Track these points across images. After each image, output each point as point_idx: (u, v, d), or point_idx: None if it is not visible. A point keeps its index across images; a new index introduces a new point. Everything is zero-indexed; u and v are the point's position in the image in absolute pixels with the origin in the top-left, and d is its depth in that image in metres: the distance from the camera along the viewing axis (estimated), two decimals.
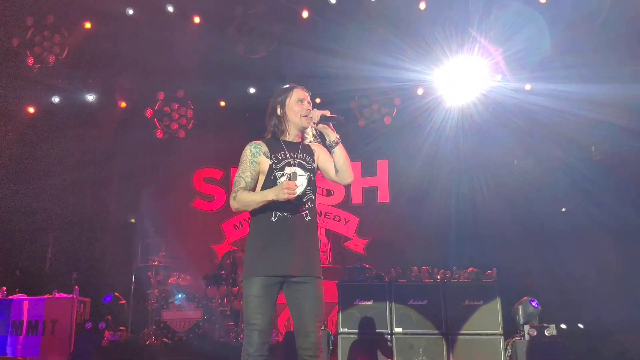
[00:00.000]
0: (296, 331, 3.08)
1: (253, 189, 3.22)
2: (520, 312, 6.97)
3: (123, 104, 9.90)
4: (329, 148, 3.28)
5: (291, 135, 3.37)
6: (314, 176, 3.32)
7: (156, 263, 7.85)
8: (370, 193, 10.23)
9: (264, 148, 3.31)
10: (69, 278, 7.33)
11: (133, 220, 10.33)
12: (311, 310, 3.04)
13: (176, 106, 9.99)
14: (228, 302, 7.41)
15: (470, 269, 7.36)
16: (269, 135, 3.42)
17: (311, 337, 3.02)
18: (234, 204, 3.15)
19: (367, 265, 7.87)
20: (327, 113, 3.24)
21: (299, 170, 3.22)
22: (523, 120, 9.12)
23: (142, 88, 9.77)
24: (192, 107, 9.99)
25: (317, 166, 3.43)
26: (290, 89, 3.42)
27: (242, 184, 3.18)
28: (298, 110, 3.32)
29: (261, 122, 9.84)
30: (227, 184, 10.30)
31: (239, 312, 7.45)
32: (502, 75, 8.84)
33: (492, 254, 8.41)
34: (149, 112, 9.97)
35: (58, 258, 9.53)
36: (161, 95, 9.94)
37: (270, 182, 3.19)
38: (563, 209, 9.87)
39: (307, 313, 3.03)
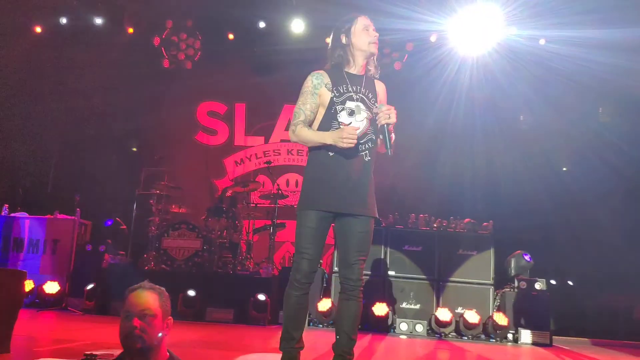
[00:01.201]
0: (341, 262, 3.18)
1: (312, 123, 3.19)
2: (513, 265, 7.14)
3: (131, 30, 9.72)
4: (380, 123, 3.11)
5: (357, 66, 3.24)
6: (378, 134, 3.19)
7: (158, 192, 7.91)
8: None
9: (326, 79, 3.16)
10: (72, 200, 7.41)
11: (135, 149, 10.36)
12: (356, 245, 3.09)
13: (184, 36, 9.82)
14: (227, 235, 7.53)
15: (467, 219, 7.45)
16: (330, 67, 3.26)
17: (354, 268, 3.09)
18: (292, 137, 3.16)
19: None
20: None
21: (361, 106, 3.14)
22: (538, 70, 8.99)
23: (151, 15, 9.56)
24: (200, 38, 9.82)
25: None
26: (354, 17, 3.25)
27: (302, 117, 3.14)
28: (365, 37, 3.18)
29: (267, 58, 9.74)
30: (230, 119, 10.26)
31: (237, 245, 7.59)
32: (516, 26, 8.67)
33: (491, 207, 8.49)
34: (156, 40, 9.81)
35: (61, 180, 9.60)
36: (169, 24, 9.75)
37: (331, 115, 3.12)
38: (564, 169, 9.92)
39: (353, 247, 3.09)
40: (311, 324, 6.92)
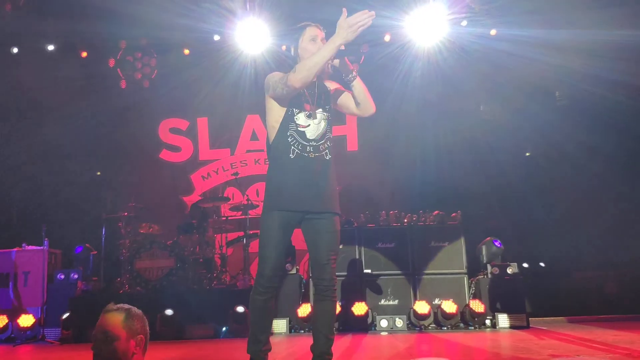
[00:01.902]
0: (312, 264, 3.23)
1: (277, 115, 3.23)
2: (484, 252, 7.30)
3: (84, 54, 9.60)
4: (348, 82, 3.22)
5: None
6: (332, 115, 3.33)
7: (126, 214, 7.83)
8: (339, 142, 10.29)
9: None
10: (38, 230, 7.26)
11: (99, 173, 10.21)
12: (326, 245, 3.16)
13: (139, 55, 9.75)
14: (200, 250, 7.49)
15: (435, 212, 7.58)
16: None
17: (326, 268, 3.15)
18: (296, 75, 3.00)
19: None
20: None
21: (318, 108, 3.24)
22: (488, 66, 9.22)
23: (104, 37, 9.46)
24: (155, 55, 9.76)
25: (336, 103, 3.44)
26: (303, 27, 3.29)
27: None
28: (311, 49, 3.19)
29: (226, 71, 9.68)
30: (193, 135, 10.22)
31: (211, 260, 7.56)
32: (467, 22, 8.88)
33: (457, 198, 8.65)
34: (111, 62, 9.71)
35: (25, 211, 9.41)
36: (123, 44, 9.66)
37: (289, 117, 3.20)
38: (527, 154, 10.17)
39: (323, 247, 3.16)
40: (292, 330, 6.94)
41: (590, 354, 4.24)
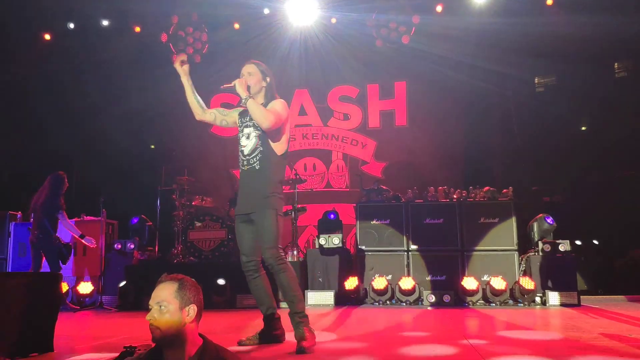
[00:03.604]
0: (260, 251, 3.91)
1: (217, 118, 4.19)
2: (535, 229, 7.16)
3: (137, 29, 9.82)
4: (244, 104, 3.86)
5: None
6: (267, 136, 3.86)
7: (179, 186, 8.05)
8: (387, 116, 10.21)
9: (240, 110, 4.10)
10: (96, 202, 7.58)
11: (153, 147, 10.51)
12: (261, 239, 3.80)
13: (190, 30, 9.89)
14: None
15: (486, 187, 7.46)
16: None
17: (266, 255, 3.79)
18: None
19: (384, 187, 8.01)
20: (229, 85, 3.95)
21: (252, 129, 3.91)
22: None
23: (156, 12, 9.64)
24: (206, 30, 9.88)
25: None
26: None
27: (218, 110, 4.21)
28: (238, 84, 3.92)
29: (276, 45, 9.73)
30: None
31: None
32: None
33: (510, 173, 8.49)
34: (163, 37, 9.90)
35: (84, 183, 9.81)
36: (175, 19, 9.82)
37: (238, 139, 3.99)
38: (583, 128, 9.85)
39: (260, 238, 3.82)
40: (338, 302, 7.03)
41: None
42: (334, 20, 9.39)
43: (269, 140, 3.85)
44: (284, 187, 8.34)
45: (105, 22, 9.63)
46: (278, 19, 9.39)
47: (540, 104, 9.56)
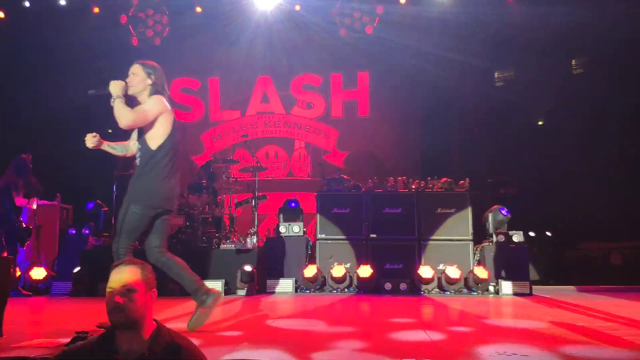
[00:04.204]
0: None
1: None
2: (490, 220, 7.32)
3: (96, 9, 9.55)
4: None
5: None
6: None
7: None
8: (350, 106, 10.24)
9: None
10: (51, 186, 7.39)
11: (110, 131, 10.25)
12: (120, 227, 4.03)
13: (151, 12, 9.68)
14: (209, 210, 7.59)
15: (444, 179, 7.58)
16: None
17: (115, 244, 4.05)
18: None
19: (345, 177, 8.05)
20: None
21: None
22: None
23: None
24: (167, 13, 9.69)
25: None
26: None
27: None
28: None
29: (240, 31, 9.61)
30: (204, 95, 10.21)
31: (220, 220, 7.66)
32: None
33: (467, 165, 8.66)
34: (123, 18, 9.66)
35: (38, 167, 9.51)
36: (135, 0, 9.60)
37: None
38: (540, 122, 10.11)
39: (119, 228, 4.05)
40: (298, 289, 7.07)
41: (589, 322, 4.31)
42: (298, 8, 9.35)
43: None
44: (243, 174, 8.38)
45: (62, 2, 9.31)
46: (242, 4, 9.28)
47: (499, 97, 9.77)
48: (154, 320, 2.33)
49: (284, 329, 4.25)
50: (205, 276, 6.93)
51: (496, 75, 10.25)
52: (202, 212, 7.49)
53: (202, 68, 10.08)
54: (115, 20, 9.67)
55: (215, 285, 6.78)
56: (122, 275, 2.25)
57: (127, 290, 2.22)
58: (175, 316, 4.80)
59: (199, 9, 9.60)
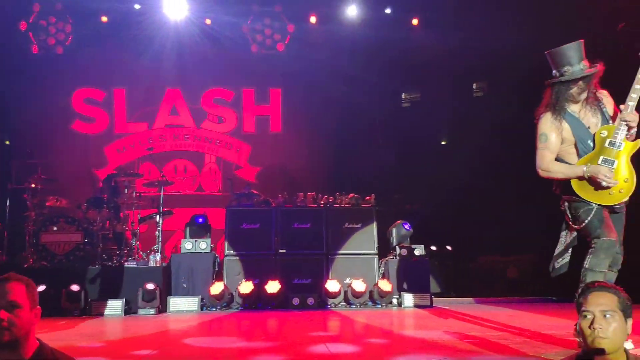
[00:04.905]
0: None
1: None
2: (394, 234, 7.56)
3: None
4: None
5: None
6: None
7: (33, 185, 7.47)
8: (262, 122, 10.24)
9: None
10: None
11: (8, 142, 9.68)
12: None
13: (53, 19, 9.25)
14: (111, 226, 7.29)
15: (351, 194, 7.74)
16: None
17: None
18: None
19: (255, 192, 8.01)
20: None
21: None
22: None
23: None
24: (71, 21, 9.29)
25: None
26: None
27: None
28: None
29: (148, 42, 9.36)
30: (109, 106, 9.84)
31: (122, 236, 7.37)
32: None
33: (374, 182, 8.89)
34: (22, 25, 9.17)
35: None
36: (37, 7, 9.14)
37: None
38: (443, 142, 10.58)
39: None
40: (204, 307, 6.90)
41: (481, 332, 4.52)
42: (208, 22, 9.26)
43: None
44: (149, 189, 8.13)
45: None
46: (151, 16, 9.08)
47: (405, 117, 10.14)
48: (37, 339, 2.24)
49: (197, 347, 4.18)
50: (105, 295, 6.65)
51: (403, 96, 10.64)
52: (102, 227, 7.19)
53: (108, 78, 9.72)
54: (14, 26, 9.15)
55: (115, 304, 6.54)
56: (8, 292, 2.15)
57: (12, 306, 2.12)
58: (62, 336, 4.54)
59: (104, 18, 9.27)
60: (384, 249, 7.63)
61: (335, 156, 9.89)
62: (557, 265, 3.77)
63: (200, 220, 7.66)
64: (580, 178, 3.52)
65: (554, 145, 3.63)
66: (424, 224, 8.27)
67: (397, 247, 7.39)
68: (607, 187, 3.45)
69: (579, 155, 3.60)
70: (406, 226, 7.51)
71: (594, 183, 3.48)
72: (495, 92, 9.85)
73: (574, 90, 3.60)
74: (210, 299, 6.93)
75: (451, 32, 9.00)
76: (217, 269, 7.40)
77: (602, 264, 3.41)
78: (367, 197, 7.70)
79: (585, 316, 2.10)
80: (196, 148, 10.00)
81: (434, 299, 7.27)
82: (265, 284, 6.99)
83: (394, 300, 7.07)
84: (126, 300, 6.59)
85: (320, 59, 9.52)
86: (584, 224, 3.50)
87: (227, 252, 7.41)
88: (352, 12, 9.13)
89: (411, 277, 7.17)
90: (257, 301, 7.02)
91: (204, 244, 7.27)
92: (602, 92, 3.71)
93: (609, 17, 8.03)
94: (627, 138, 3.49)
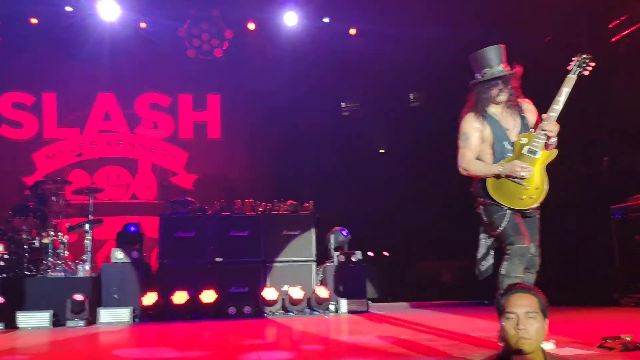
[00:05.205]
0: None
1: None
2: (332, 240, 7.61)
3: None
4: None
5: None
6: None
7: None
8: (200, 128, 10.08)
9: None
10: None
11: None
12: None
13: None
14: (37, 235, 6.96)
15: (289, 201, 7.73)
16: None
17: None
18: None
19: (190, 199, 7.87)
20: None
21: None
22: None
23: None
24: None
25: None
26: None
27: None
28: None
29: (82, 44, 9.05)
30: (39, 111, 9.43)
31: (49, 244, 7.04)
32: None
33: (313, 188, 8.93)
34: None
35: None
36: None
37: None
38: (381, 150, 10.75)
39: None
40: (137, 319, 6.69)
41: (412, 335, 4.60)
42: (143, 25, 9.04)
43: None
44: (79, 197, 7.83)
45: None
46: (83, 19, 8.79)
47: (345, 126, 10.25)
48: None
49: (128, 358, 4.05)
50: (32, 307, 6.35)
51: (343, 104, 10.75)
52: (28, 237, 6.86)
53: (37, 82, 9.33)
54: None
55: (43, 316, 6.25)
56: None
57: None
58: None
59: (34, 20, 8.88)
60: (323, 255, 7.65)
61: (275, 163, 9.87)
62: (482, 269, 3.87)
63: (133, 228, 7.46)
64: (497, 177, 3.62)
65: (474, 145, 3.74)
66: (362, 230, 8.36)
67: (335, 253, 7.42)
68: (523, 185, 3.53)
69: (495, 156, 3.70)
70: (344, 232, 7.57)
71: (508, 185, 3.59)
72: (431, 102, 10.10)
73: (494, 91, 3.71)
74: (142, 309, 6.73)
75: (388, 43, 9.18)
76: (150, 278, 7.20)
77: (517, 270, 3.52)
78: (306, 204, 7.70)
79: (509, 317, 2.16)
80: (130, 154, 9.71)
81: (371, 305, 7.36)
82: (201, 294, 6.86)
83: (331, 307, 7.08)
84: (54, 312, 6.31)
85: (260, 66, 9.49)
86: (498, 231, 3.62)
87: (161, 260, 7.23)
88: (291, 19, 9.14)
89: (348, 283, 7.21)
90: (192, 311, 6.87)
91: (136, 253, 7.07)
92: (525, 100, 3.85)
93: (537, 30, 8.45)
94: (545, 147, 3.62)
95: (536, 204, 3.64)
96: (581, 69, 3.58)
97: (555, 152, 3.65)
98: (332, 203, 9.28)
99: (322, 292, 6.95)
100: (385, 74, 9.71)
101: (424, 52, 9.10)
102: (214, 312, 6.84)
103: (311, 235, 7.51)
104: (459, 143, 3.79)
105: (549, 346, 3.55)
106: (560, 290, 7.97)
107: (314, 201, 7.86)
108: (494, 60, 3.71)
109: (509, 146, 3.68)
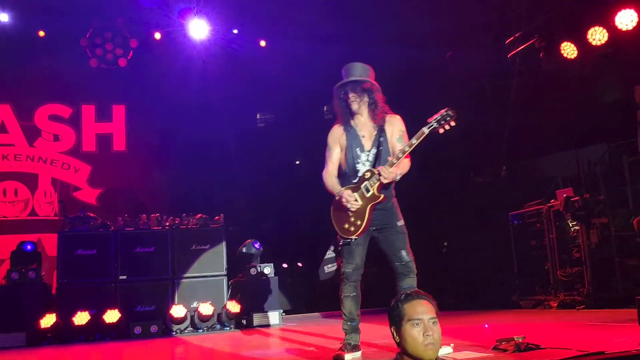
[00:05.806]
0: None
1: None
2: (244, 253, 7.47)
3: None
4: None
5: None
6: None
7: None
8: (104, 140, 9.63)
9: None
10: None
11: None
12: None
13: None
14: None
15: (198, 215, 7.54)
16: None
17: None
18: None
19: (91, 214, 7.48)
20: None
21: None
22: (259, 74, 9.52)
23: None
24: None
25: None
26: None
27: None
28: None
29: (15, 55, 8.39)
30: None
31: None
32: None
33: (225, 202, 8.76)
34: None
35: None
36: None
37: None
38: (297, 162, 10.76)
39: None
40: (33, 343, 6.24)
41: (321, 344, 4.59)
42: (42, 34, 8.56)
43: None
44: None
45: None
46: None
47: (260, 137, 10.17)
48: None
49: None
50: None
51: (258, 116, 10.69)
52: None
53: None
54: None
55: None
56: None
57: None
58: None
59: None
60: (235, 269, 7.51)
61: (185, 176, 9.59)
62: (326, 270, 3.99)
63: (29, 247, 6.99)
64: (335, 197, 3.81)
65: (335, 156, 3.95)
66: (276, 242, 8.31)
67: (246, 266, 7.30)
68: (349, 215, 3.74)
69: (347, 162, 3.88)
70: (256, 245, 7.47)
71: (340, 211, 3.77)
72: None
73: (350, 99, 3.87)
74: (40, 332, 6.30)
75: (296, 55, 9.23)
76: (49, 300, 6.77)
77: (348, 290, 3.97)
78: (216, 217, 7.54)
79: (415, 325, 2.15)
80: (29, 169, 9.12)
81: (285, 316, 7.29)
82: (104, 314, 6.54)
83: (244, 321, 6.95)
84: None
85: (168, 75, 9.21)
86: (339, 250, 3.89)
87: (60, 281, 6.83)
88: (199, 29, 8.95)
89: (261, 296, 7.10)
90: (94, 332, 6.52)
91: (33, 273, 6.62)
92: (394, 116, 3.95)
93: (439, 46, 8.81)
94: (377, 189, 3.74)
95: (353, 236, 3.79)
96: (439, 125, 3.64)
97: (381, 197, 3.75)
98: (244, 216, 9.19)
99: (234, 306, 6.81)
100: (297, 87, 9.75)
101: (332, 65, 9.21)
102: (118, 332, 6.53)
103: (222, 248, 7.36)
104: (325, 154, 3.97)
105: (447, 350, 3.66)
106: (465, 295, 8.36)
107: (225, 214, 7.73)
108: (356, 73, 3.91)
109: (359, 152, 3.84)
